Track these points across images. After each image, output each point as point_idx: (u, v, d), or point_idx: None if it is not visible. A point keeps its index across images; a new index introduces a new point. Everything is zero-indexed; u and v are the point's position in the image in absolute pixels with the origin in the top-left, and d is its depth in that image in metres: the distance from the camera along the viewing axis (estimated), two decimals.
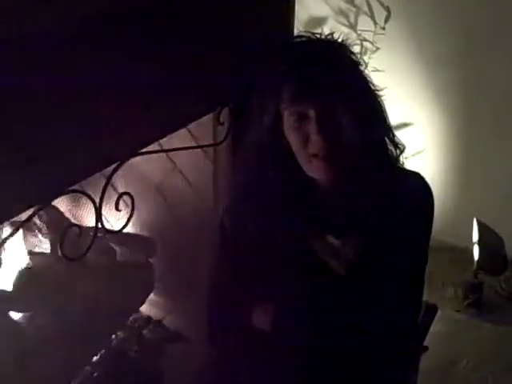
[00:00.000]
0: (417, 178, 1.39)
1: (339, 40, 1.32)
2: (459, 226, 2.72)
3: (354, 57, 1.30)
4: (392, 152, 1.33)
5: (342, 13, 2.78)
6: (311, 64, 1.23)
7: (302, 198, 1.33)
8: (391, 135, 1.33)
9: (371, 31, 2.67)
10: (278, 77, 1.26)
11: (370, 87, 1.30)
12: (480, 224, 2.62)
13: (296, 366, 1.38)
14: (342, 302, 1.35)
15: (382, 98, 1.33)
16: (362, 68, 1.31)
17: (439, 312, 1.72)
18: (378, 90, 1.32)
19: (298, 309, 1.38)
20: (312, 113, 1.21)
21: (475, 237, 2.61)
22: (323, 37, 1.32)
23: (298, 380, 1.40)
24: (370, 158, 1.28)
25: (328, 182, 1.29)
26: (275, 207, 1.33)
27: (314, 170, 1.27)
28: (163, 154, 1.82)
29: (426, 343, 1.68)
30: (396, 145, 1.34)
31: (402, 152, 1.35)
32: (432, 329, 1.68)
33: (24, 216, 1.24)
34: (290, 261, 1.35)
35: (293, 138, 1.26)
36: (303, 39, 1.32)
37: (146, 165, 1.92)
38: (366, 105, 1.27)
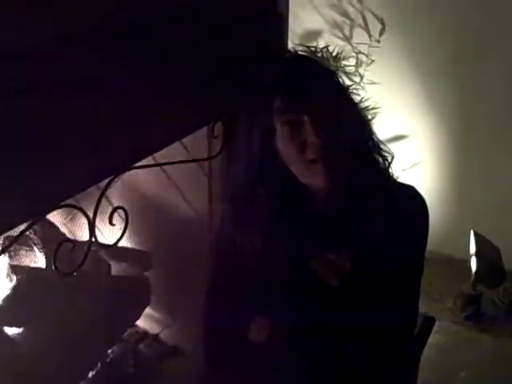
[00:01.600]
0: (411, 190, 1.40)
1: (333, 53, 1.34)
2: (456, 237, 2.71)
3: (338, 71, 1.33)
4: (381, 163, 1.34)
5: (336, 26, 2.79)
6: (299, 76, 1.26)
7: (296, 212, 1.33)
8: (378, 146, 1.34)
9: (366, 44, 2.68)
10: (268, 91, 1.27)
11: (354, 100, 1.32)
12: (477, 236, 2.62)
13: (294, 375, 1.39)
14: (337, 313, 1.35)
15: (372, 110, 1.35)
16: (346, 82, 1.34)
17: (437, 324, 1.71)
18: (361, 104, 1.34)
19: (294, 319, 1.38)
20: (306, 118, 1.22)
21: (472, 248, 2.60)
22: (318, 50, 1.34)
23: None
24: (362, 167, 1.28)
25: (326, 188, 1.28)
26: (268, 222, 1.33)
27: (312, 176, 1.27)
28: (158, 168, 1.82)
29: (424, 355, 1.67)
30: (384, 156, 1.35)
31: (390, 163, 1.36)
32: (430, 340, 1.67)
33: (17, 230, 1.24)
34: (285, 273, 1.35)
35: (288, 148, 1.27)
36: (291, 54, 1.35)
37: (140, 179, 1.92)
38: (352, 115, 1.29)
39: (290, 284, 1.36)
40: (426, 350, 1.66)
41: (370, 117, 1.35)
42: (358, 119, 1.31)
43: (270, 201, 1.31)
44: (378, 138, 1.35)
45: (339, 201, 1.32)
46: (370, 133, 1.33)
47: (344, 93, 1.32)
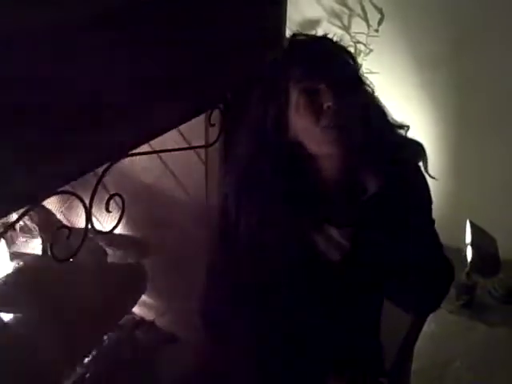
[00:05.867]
0: (412, 166, 1.39)
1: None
2: (452, 227, 2.71)
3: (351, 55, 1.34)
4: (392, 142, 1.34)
5: (335, 15, 2.78)
6: (318, 51, 1.30)
7: (302, 189, 1.34)
8: (391, 130, 1.35)
9: (364, 33, 2.68)
10: (286, 62, 1.30)
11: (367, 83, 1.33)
12: (473, 225, 2.63)
13: (298, 349, 1.43)
14: (340, 287, 1.38)
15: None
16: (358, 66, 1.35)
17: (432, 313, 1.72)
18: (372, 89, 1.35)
19: (296, 293, 1.40)
20: (323, 86, 1.24)
21: (468, 238, 2.61)
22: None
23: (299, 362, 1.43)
24: (369, 147, 1.29)
25: (336, 156, 1.30)
26: (275, 199, 1.34)
27: (324, 142, 1.27)
28: (155, 156, 1.82)
29: (418, 344, 1.68)
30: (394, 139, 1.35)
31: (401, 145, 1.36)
32: (425, 329, 1.68)
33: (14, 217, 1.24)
34: (290, 250, 1.37)
35: (303, 116, 1.27)
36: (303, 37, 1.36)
37: (137, 166, 1.92)
38: (366, 96, 1.32)
39: (291, 258, 1.38)
40: (420, 339, 1.67)
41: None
42: (372, 99, 1.34)
43: (273, 174, 1.32)
44: (392, 125, 1.36)
45: (346, 173, 1.33)
46: (382, 119, 1.34)
47: (358, 75, 1.34)
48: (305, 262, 1.38)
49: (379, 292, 1.48)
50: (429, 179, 1.42)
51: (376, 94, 1.35)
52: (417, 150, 1.38)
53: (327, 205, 1.36)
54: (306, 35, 1.37)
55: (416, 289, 1.35)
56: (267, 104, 1.31)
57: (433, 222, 1.38)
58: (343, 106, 1.25)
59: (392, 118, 1.36)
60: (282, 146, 1.31)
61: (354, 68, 1.33)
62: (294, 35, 1.38)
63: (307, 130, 1.28)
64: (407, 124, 1.39)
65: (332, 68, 1.27)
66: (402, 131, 1.38)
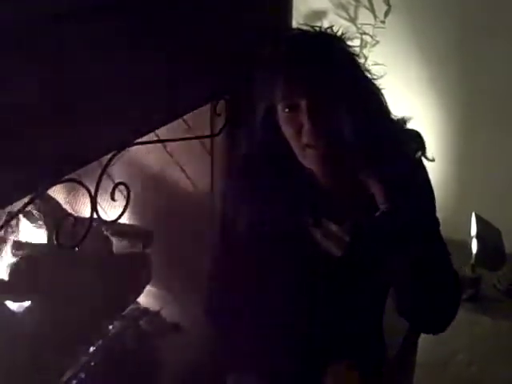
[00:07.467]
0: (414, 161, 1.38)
1: (338, 33, 1.32)
2: (457, 219, 2.71)
3: (349, 49, 1.31)
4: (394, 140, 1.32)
5: (341, 6, 2.77)
6: (302, 56, 1.25)
7: (300, 186, 1.33)
8: (390, 126, 1.33)
9: (371, 25, 2.67)
10: (269, 71, 1.27)
11: (366, 79, 1.30)
12: (478, 218, 2.62)
13: (297, 348, 1.43)
14: (341, 283, 1.39)
15: (382, 90, 1.33)
16: (358, 60, 1.32)
17: None
18: (376, 83, 1.32)
19: (297, 289, 1.41)
20: (303, 104, 1.22)
21: (473, 231, 2.60)
22: (322, 30, 1.33)
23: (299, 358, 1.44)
24: (365, 148, 1.26)
25: (322, 172, 1.29)
26: (272, 197, 1.34)
27: (307, 160, 1.28)
28: (160, 145, 1.83)
29: (422, 337, 1.69)
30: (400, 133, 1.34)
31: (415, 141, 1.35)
32: None
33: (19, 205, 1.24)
34: (289, 247, 1.38)
35: (286, 130, 1.28)
36: (296, 32, 1.33)
37: (143, 155, 1.92)
38: (359, 96, 1.27)
39: (291, 256, 1.38)
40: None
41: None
42: (366, 105, 1.28)
43: (270, 172, 1.32)
44: (392, 122, 1.33)
45: (337, 181, 1.32)
46: (380, 116, 1.31)
47: (356, 76, 1.29)
48: (305, 258, 1.38)
49: (382, 288, 1.47)
50: (431, 172, 1.41)
51: (380, 86, 1.33)
52: (417, 142, 1.36)
53: (327, 202, 1.36)
54: (307, 31, 1.33)
55: (425, 302, 1.29)
56: (258, 105, 1.30)
57: (438, 223, 1.36)
58: (324, 125, 1.22)
59: (392, 113, 1.34)
60: (277, 144, 1.31)
61: (350, 67, 1.29)
62: (293, 31, 1.36)
63: (291, 141, 1.29)
64: (409, 117, 1.37)
65: (314, 81, 1.23)
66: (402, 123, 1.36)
